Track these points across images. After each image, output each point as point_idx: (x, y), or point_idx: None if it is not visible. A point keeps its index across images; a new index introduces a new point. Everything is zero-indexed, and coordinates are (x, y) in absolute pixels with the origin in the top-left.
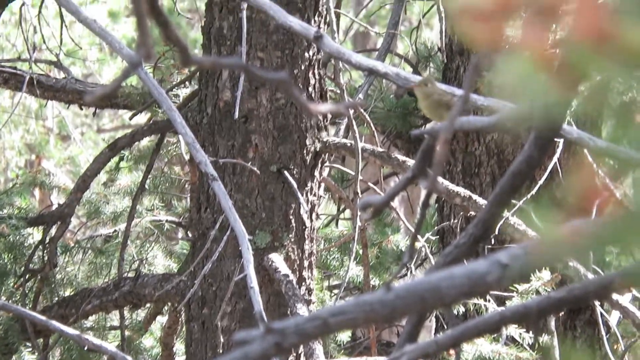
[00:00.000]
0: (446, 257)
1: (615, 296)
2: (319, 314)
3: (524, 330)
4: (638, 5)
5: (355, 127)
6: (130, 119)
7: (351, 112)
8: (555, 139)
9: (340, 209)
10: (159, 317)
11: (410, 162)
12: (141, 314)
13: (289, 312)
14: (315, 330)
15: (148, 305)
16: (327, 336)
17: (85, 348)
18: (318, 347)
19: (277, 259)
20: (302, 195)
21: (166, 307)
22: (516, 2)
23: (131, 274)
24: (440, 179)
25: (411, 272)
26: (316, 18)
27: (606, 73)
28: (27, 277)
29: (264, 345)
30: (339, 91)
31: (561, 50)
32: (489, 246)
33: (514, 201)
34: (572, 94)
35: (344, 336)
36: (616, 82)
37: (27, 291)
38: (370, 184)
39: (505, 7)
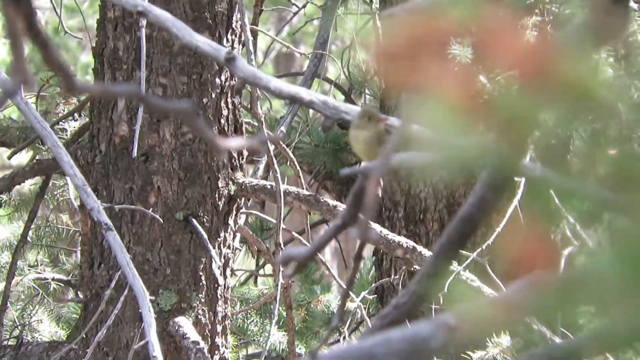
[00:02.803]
0: (383, 320)
1: None
2: None
3: None
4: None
5: (276, 166)
6: (9, 158)
7: (271, 148)
8: (515, 178)
9: (260, 264)
10: None
11: (343, 207)
12: None
13: None
14: None
15: None
16: None
17: None
18: None
19: (184, 324)
20: (214, 247)
21: None
22: (431, 41)
23: (12, 342)
24: (378, 227)
25: (345, 337)
26: (229, 37)
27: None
28: None
29: None
30: (256, 123)
31: (498, 85)
32: (436, 307)
33: (466, 252)
34: (523, 129)
35: None
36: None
37: None
38: (295, 234)
39: (419, 48)
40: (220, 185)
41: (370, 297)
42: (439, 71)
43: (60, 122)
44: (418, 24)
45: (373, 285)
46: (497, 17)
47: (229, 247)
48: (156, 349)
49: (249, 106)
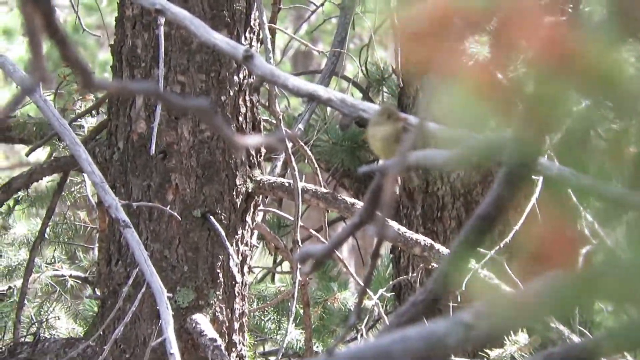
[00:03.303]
0: (401, 317)
1: None
2: None
3: None
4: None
5: (294, 163)
6: (27, 155)
7: (289, 145)
8: (533, 176)
9: (277, 261)
10: None
11: (360, 204)
12: None
13: None
14: None
15: None
16: None
17: None
18: None
19: (202, 321)
20: (232, 244)
21: None
22: (455, 17)
23: (29, 339)
24: (396, 225)
25: (362, 335)
26: (247, 35)
27: (572, 100)
28: None
29: None
30: (274, 121)
31: (519, 74)
32: (454, 305)
33: (484, 250)
34: (542, 124)
35: None
36: (592, 111)
37: None
38: (313, 231)
39: (443, 24)
40: (238, 182)
41: (388, 294)
42: (461, 54)
43: (79, 119)
44: (440, 5)
45: (390, 282)
46: (521, 3)
47: (246, 245)
48: (173, 346)
49: (267, 104)
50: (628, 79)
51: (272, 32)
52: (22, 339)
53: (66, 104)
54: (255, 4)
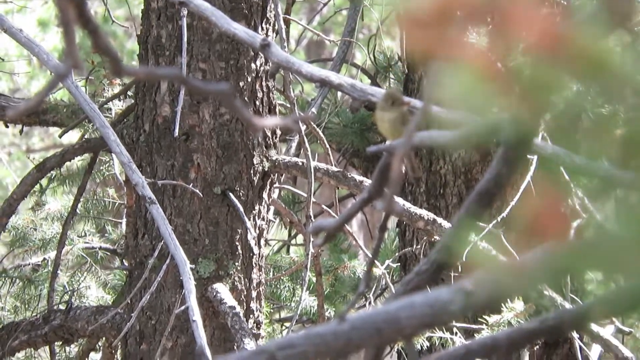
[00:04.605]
0: (407, 286)
1: (596, 328)
2: (266, 347)
3: None
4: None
5: (307, 144)
6: (60, 136)
7: (302, 127)
8: (528, 155)
9: (292, 235)
10: (92, 354)
11: (369, 182)
12: (73, 349)
13: (235, 347)
14: None
15: (81, 340)
16: None
17: None
18: None
19: (222, 290)
20: (249, 219)
21: (100, 343)
22: (457, 7)
23: (62, 307)
24: (401, 201)
25: (370, 302)
26: (264, 25)
27: (567, 86)
28: None
29: None
30: (289, 105)
31: (516, 61)
32: (456, 274)
33: (483, 224)
34: (537, 107)
35: None
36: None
37: None
38: (325, 207)
39: (446, 13)
40: (255, 162)
41: (394, 265)
42: (462, 41)
43: (108, 104)
44: None
45: (397, 254)
46: None
47: (263, 219)
48: (196, 314)
49: (282, 89)
50: (615, 66)
51: (287, 23)
52: (56, 307)
53: (96, 90)
54: None
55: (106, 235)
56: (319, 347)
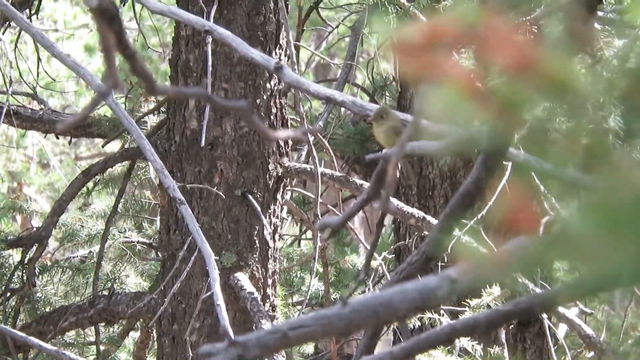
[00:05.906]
0: (400, 274)
1: (562, 310)
2: (279, 327)
3: (476, 342)
4: (561, 37)
5: (315, 152)
6: (103, 146)
7: (311, 138)
8: (504, 162)
9: (302, 230)
10: (131, 333)
11: (368, 185)
12: (115, 330)
13: (254, 327)
14: (276, 343)
15: (121, 321)
16: (291, 348)
17: None
18: None
19: (242, 278)
20: (266, 217)
21: (138, 324)
22: (443, 36)
23: (105, 292)
24: (395, 201)
25: (369, 288)
26: (277, 50)
27: (534, 104)
28: (7, 295)
29: (228, 357)
30: (299, 119)
31: (494, 81)
32: (442, 264)
33: (465, 221)
34: (512, 121)
35: (310, 348)
36: (551, 112)
37: (7, 309)
38: (330, 207)
39: (433, 41)
40: (270, 168)
41: (390, 256)
42: (447, 65)
43: (144, 118)
44: (430, 26)
45: (392, 247)
46: (496, 22)
47: (277, 217)
48: (220, 299)
49: (293, 105)
50: (578, 85)
51: (297, 48)
52: (100, 293)
53: (134, 106)
54: (283, 26)
55: (143, 231)
56: (325, 327)
